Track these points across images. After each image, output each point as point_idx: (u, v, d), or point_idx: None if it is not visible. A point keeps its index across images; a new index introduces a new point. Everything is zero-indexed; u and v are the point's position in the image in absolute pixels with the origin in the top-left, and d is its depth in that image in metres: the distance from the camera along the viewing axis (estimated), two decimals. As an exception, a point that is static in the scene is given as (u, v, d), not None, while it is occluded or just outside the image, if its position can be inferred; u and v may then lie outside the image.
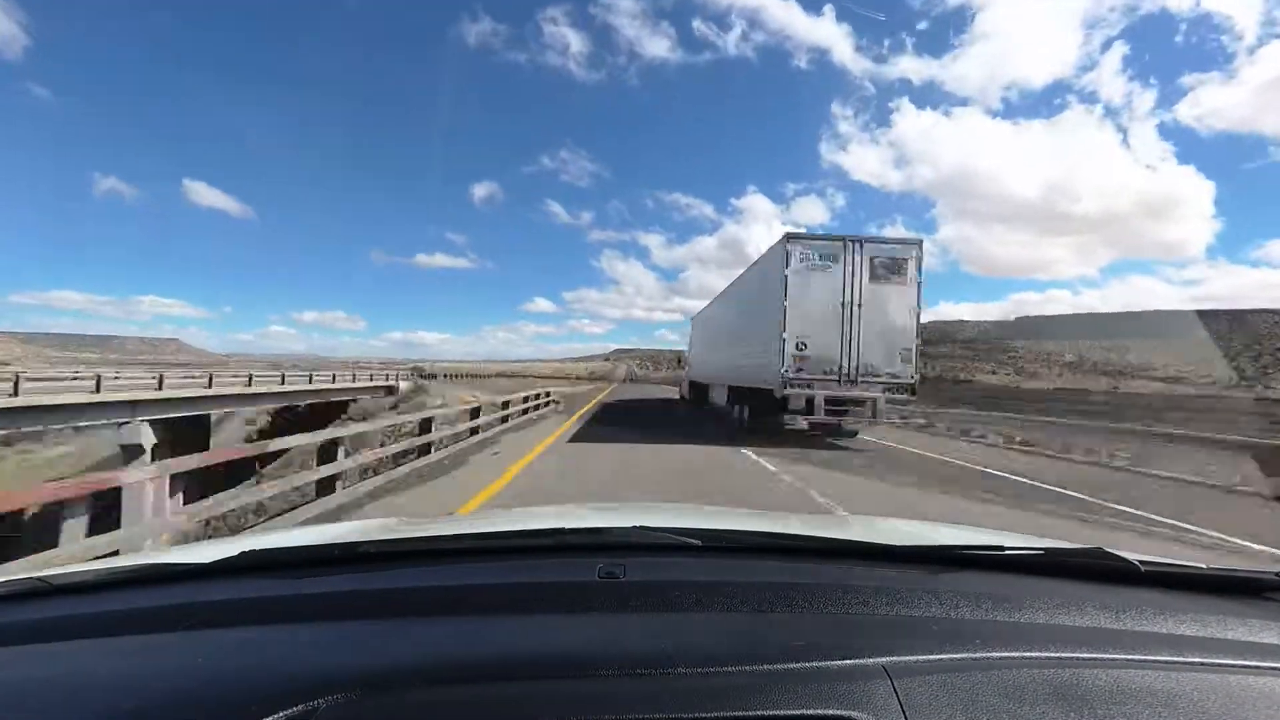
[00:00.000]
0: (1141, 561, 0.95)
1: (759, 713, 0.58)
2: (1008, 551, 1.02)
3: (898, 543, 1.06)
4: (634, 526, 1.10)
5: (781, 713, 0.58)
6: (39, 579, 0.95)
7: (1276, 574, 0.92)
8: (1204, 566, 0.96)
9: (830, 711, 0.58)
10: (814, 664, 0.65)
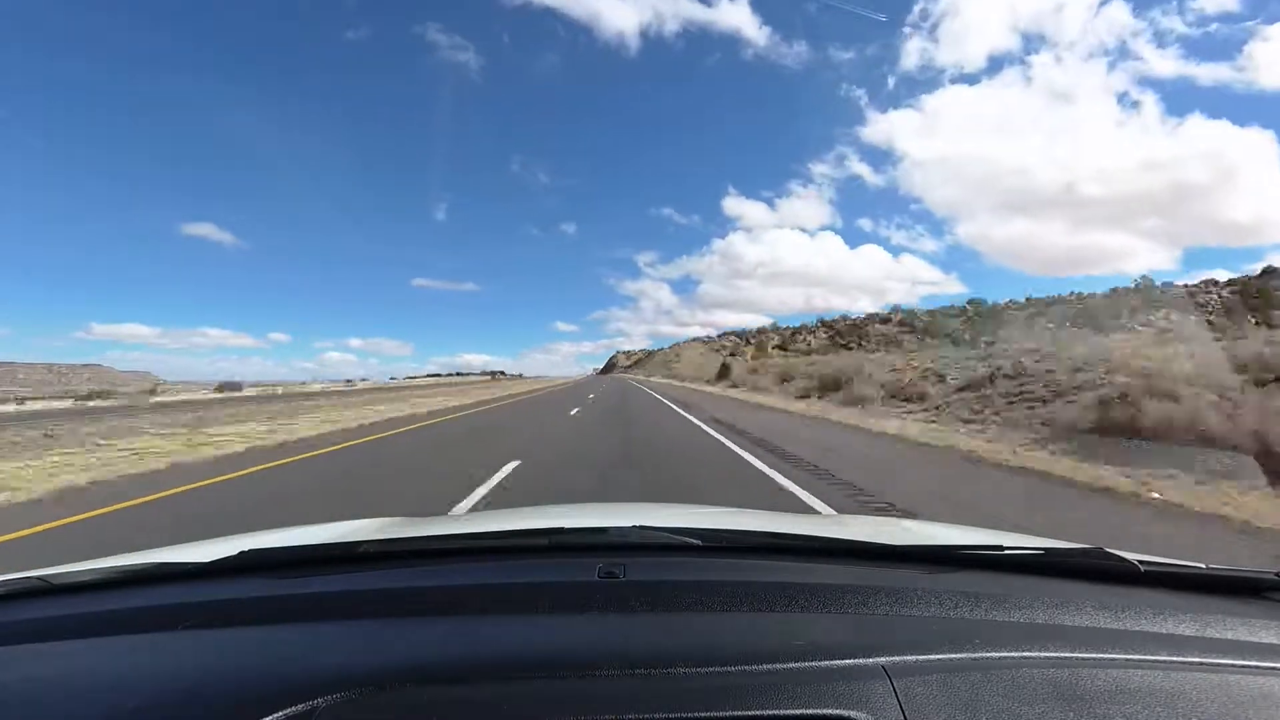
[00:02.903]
0: (1141, 561, 0.95)
1: (759, 713, 0.58)
2: (1007, 551, 1.02)
3: (898, 543, 1.06)
4: (634, 526, 1.10)
5: (781, 713, 0.58)
6: (39, 579, 0.95)
7: (1276, 574, 0.92)
8: (1204, 566, 0.96)
9: (830, 711, 0.58)
10: (814, 664, 0.65)
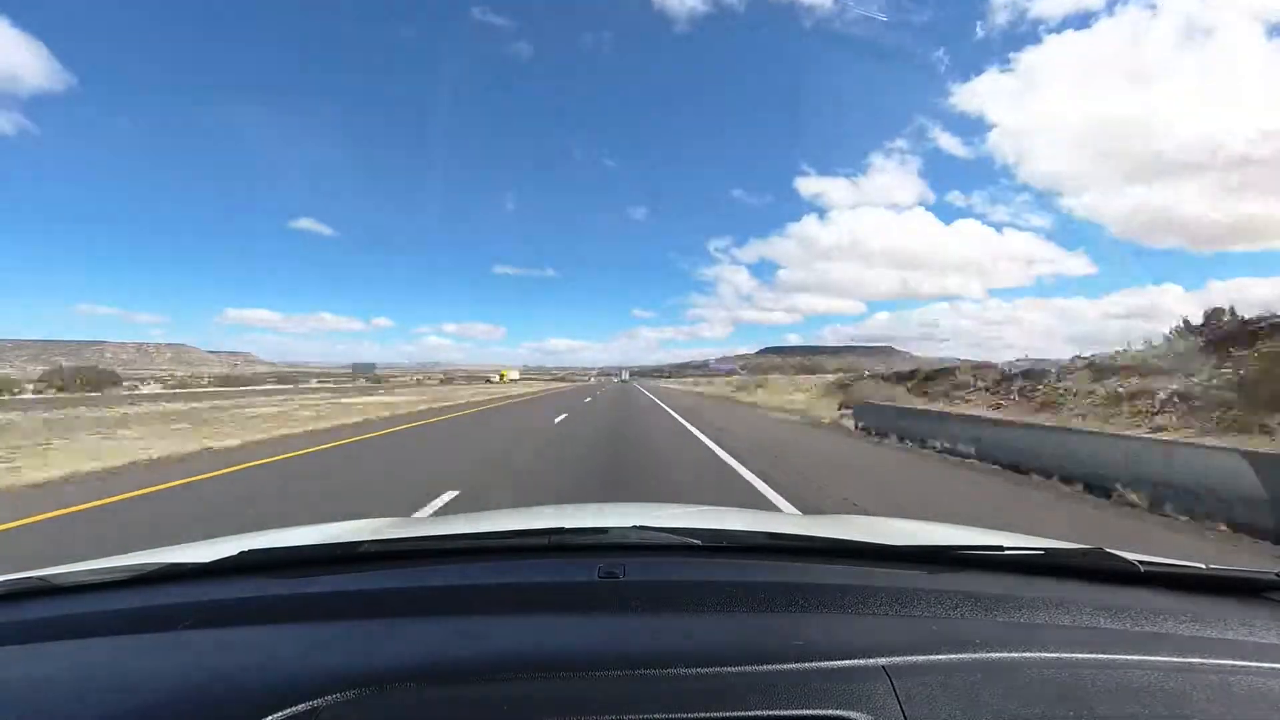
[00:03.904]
0: (1141, 561, 0.95)
1: (759, 713, 0.58)
2: (1007, 551, 1.02)
3: (898, 543, 1.07)
4: (634, 526, 1.10)
5: (781, 713, 0.58)
6: (39, 579, 0.95)
7: (1277, 574, 0.92)
8: (1204, 566, 0.96)
9: (830, 711, 0.58)
10: (814, 664, 0.65)
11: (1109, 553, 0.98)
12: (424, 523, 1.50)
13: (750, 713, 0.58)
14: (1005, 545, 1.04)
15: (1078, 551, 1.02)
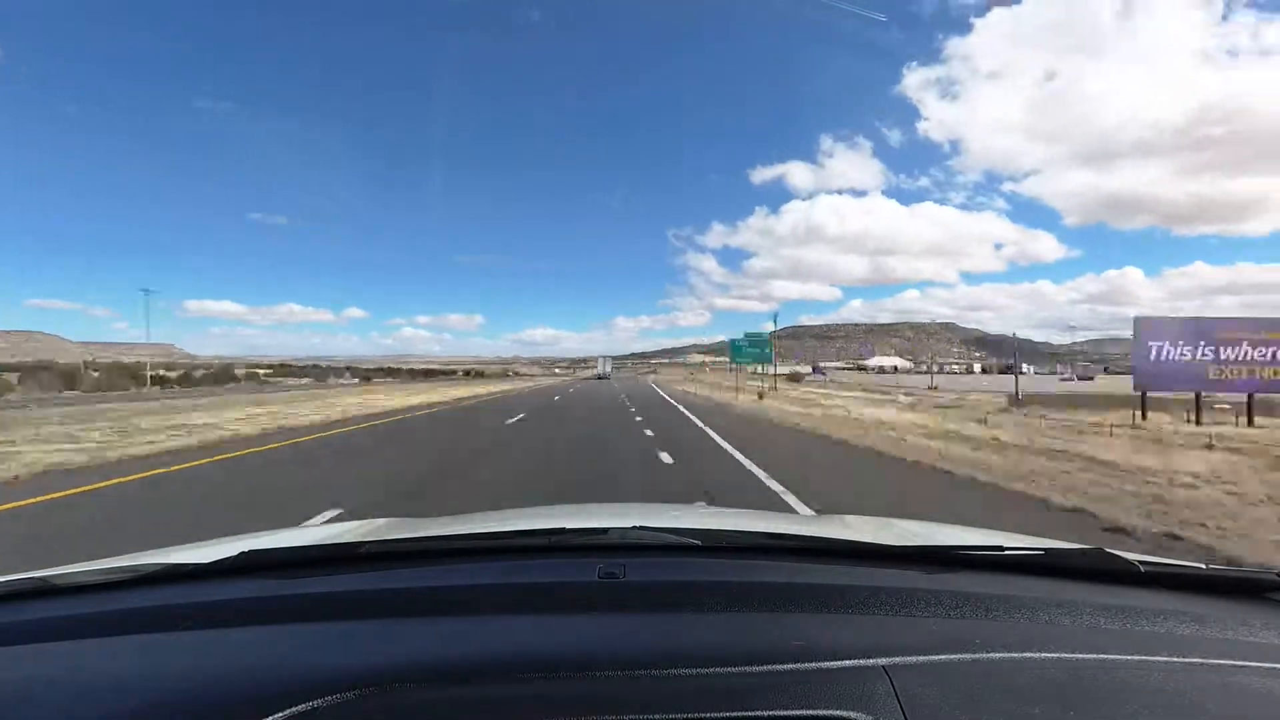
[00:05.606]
0: (1141, 561, 0.95)
1: (759, 713, 0.58)
2: (1007, 552, 1.02)
3: (898, 543, 1.07)
4: (634, 526, 1.10)
5: (781, 713, 0.58)
6: (39, 579, 0.95)
7: (1277, 574, 0.92)
8: (1204, 566, 0.96)
9: (830, 712, 0.58)
10: (814, 664, 0.65)
11: (1109, 553, 0.98)
12: (424, 523, 1.50)
13: (750, 713, 0.58)
14: (1005, 545, 1.04)
15: (1078, 551, 1.02)
